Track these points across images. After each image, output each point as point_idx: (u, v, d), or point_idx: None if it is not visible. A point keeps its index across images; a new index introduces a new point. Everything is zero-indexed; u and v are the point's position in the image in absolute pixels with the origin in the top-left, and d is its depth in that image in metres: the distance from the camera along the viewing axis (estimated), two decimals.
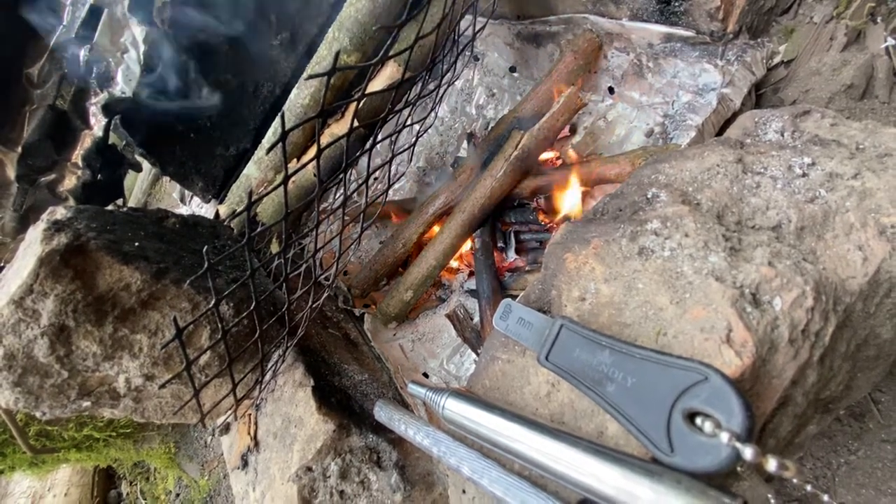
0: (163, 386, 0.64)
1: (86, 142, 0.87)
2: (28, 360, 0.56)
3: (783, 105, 0.69)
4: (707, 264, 0.39)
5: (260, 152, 0.81)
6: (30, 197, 0.90)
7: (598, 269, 0.44)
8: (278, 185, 0.49)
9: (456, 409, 0.45)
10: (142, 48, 0.82)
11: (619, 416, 0.35)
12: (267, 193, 0.47)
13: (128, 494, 2.27)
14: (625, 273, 0.42)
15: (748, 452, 0.28)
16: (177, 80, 0.87)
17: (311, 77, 0.57)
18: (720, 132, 0.68)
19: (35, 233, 0.62)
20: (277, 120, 0.79)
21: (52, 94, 0.84)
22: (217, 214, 0.94)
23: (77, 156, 0.89)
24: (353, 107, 0.76)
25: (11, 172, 0.87)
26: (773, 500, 0.32)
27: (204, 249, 0.49)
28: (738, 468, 0.31)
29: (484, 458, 0.42)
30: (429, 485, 0.69)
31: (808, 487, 0.30)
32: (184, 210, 1.34)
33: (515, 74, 1.10)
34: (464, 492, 0.46)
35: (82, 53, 0.82)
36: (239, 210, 0.83)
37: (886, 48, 0.65)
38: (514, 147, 0.85)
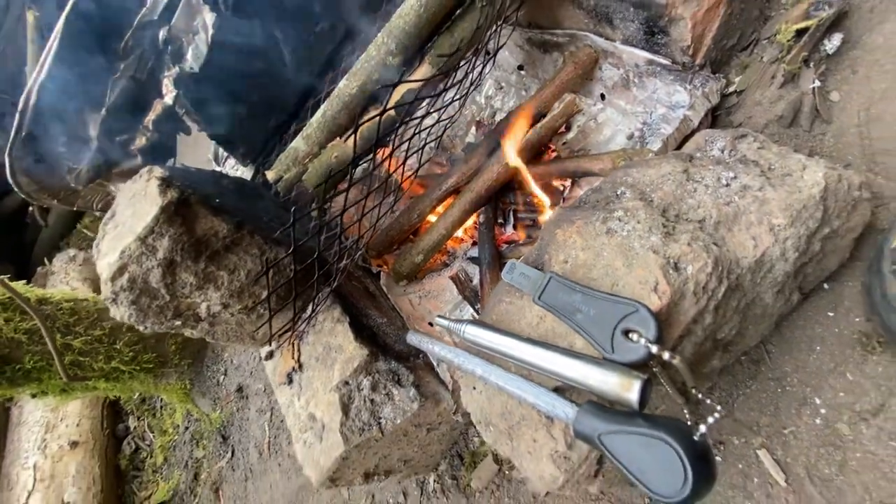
0: (236, 313, 0.83)
1: (157, 109, 1.02)
2: (144, 284, 0.73)
3: (731, 127, 0.89)
4: (649, 242, 0.59)
5: (308, 129, 0.96)
6: (105, 153, 1.04)
7: (578, 242, 0.64)
8: (346, 167, 0.67)
9: (473, 332, 0.65)
10: (210, 32, 0.96)
11: (583, 334, 0.55)
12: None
13: (135, 428, 2.46)
14: (596, 245, 0.62)
15: (654, 348, 0.48)
16: (234, 61, 1.02)
17: (383, 87, 0.74)
18: (680, 145, 0.87)
19: (139, 186, 0.78)
20: (328, 103, 0.95)
21: (133, 66, 0.98)
22: (263, 177, 1.09)
23: (149, 120, 1.03)
24: (393, 98, 0.93)
25: (94, 131, 1.01)
26: (687, 413, 0.53)
27: (293, 209, 0.67)
28: (651, 362, 0.51)
29: (491, 364, 0.62)
30: (436, 401, 0.90)
31: (701, 397, 0.51)
32: (215, 168, 1.49)
33: (522, 72, 1.27)
34: (474, 388, 0.66)
35: (161, 33, 0.95)
36: (289, 177, 0.99)
37: (813, 88, 0.84)
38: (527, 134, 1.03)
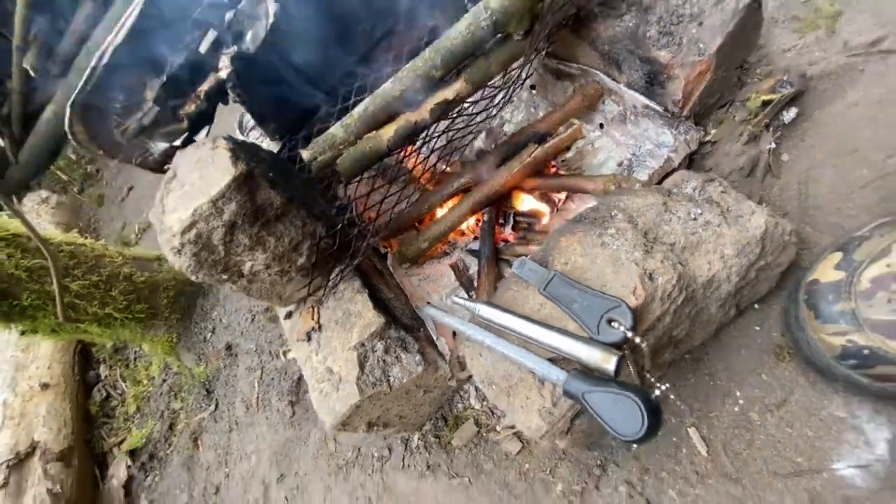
0: (273, 275, 0.95)
1: (211, 80, 1.11)
2: (207, 241, 0.84)
3: (703, 171, 1.08)
4: (633, 256, 0.76)
5: (349, 120, 1.08)
6: (156, 115, 1.13)
7: (578, 249, 0.81)
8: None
9: (486, 311, 0.81)
10: (271, 20, 1.07)
11: (576, 318, 0.72)
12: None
13: (106, 377, 2.48)
14: (592, 253, 0.79)
15: (629, 334, 0.66)
16: (284, 48, 1.13)
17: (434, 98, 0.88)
18: (661, 180, 1.06)
19: (204, 153, 0.89)
20: (370, 100, 1.07)
21: (198, 40, 1.07)
22: (291, 153, 1.20)
23: (202, 90, 1.13)
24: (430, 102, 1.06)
25: (150, 94, 1.10)
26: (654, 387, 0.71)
27: (339, 188, 0.80)
28: (624, 346, 0.69)
29: (498, 337, 0.79)
30: (435, 368, 1.06)
31: (653, 381, 0.69)
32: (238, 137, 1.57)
33: (534, 92, 1.43)
34: (480, 355, 0.83)
35: (228, 14, 1.05)
36: (324, 158, 1.10)
37: (769, 149, 1.04)
38: (528, 155, 1.19)
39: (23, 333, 1.69)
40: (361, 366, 0.98)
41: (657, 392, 0.62)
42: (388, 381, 0.99)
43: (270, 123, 1.29)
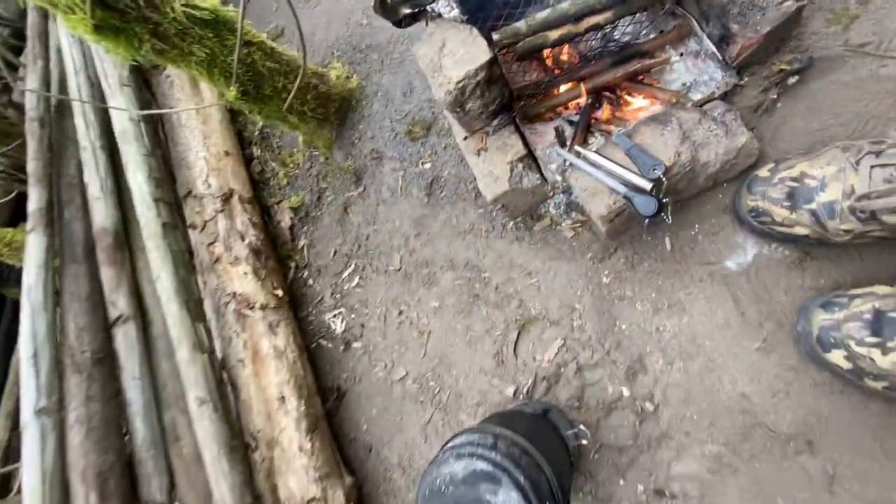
0: (474, 113, 1.75)
1: None
2: (462, 90, 1.62)
3: (728, 103, 1.82)
4: (674, 143, 1.58)
5: (531, 21, 1.75)
6: None
7: (647, 133, 1.61)
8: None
9: (590, 155, 1.65)
10: None
11: (638, 165, 1.57)
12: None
13: (258, 156, 3.36)
14: (654, 138, 1.60)
15: (662, 176, 1.51)
16: None
17: (590, 21, 1.57)
18: (703, 104, 1.79)
19: (465, 35, 1.60)
20: (550, 10, 1.72)
21: None
22: (490, 35, 1.89)
23: None
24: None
25: None
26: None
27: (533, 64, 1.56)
28: (658, 180, 1.55)
29: (595, 168, 1.64)
30: (543, 183, 1.94)
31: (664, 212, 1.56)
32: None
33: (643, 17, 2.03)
34: (576, 179, 1.69)
35: None
36: (527, 44, 1.80)
37: (771, 98, 1.77)
38: (632, 66, 1.89)
39: (249, 112, 2.50)
40: (510, 172, 1.86)
41: (665, 200, 1.51)
42: (522, 183, 1.88)
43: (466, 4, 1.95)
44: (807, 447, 1.57)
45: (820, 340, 1.48)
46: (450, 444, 1.08)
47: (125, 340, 2.00)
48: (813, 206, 1.34)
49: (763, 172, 1.64)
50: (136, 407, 1.89)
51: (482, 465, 1.02)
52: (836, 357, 1.45)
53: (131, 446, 1.91)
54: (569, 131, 2.07)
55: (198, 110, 3.28)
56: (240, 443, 1.86)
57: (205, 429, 1.79)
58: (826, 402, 1.57)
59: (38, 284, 2.01)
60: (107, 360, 2.01)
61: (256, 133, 3.48)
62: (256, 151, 3.44)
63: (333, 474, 1.91)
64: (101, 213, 2.53)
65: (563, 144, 2.08)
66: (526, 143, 1.93)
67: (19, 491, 2.47)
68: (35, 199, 2.23)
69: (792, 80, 1.73)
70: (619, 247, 1.97)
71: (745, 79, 1.79)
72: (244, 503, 1.74)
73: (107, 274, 2.11)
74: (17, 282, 4.31)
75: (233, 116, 3.40)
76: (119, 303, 2.05)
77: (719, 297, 1.77)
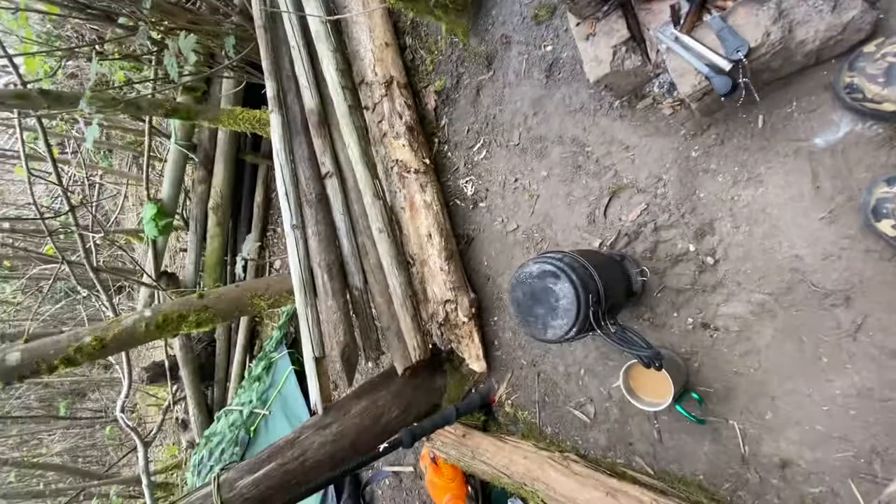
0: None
1: None
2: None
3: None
4: (766, 23, 1.71)
5: None
6: None
7: (742, 13, 1.75)
8: None
9: (683, 38, 1.86)
10: None
11: (724, 46, 1.76)
12: None
13: (410, 44, 3.95)
14: (748, 17, 1.74)
15: (743, 58, 1.71)
16: None
17: None
18: None
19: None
20: None
21: None
22: None
23: None
24: None
25: None
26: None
27: None
28: (739, 62, 1.75)
29: (686, 49, 1.87)
30: (646, 64, 2.18)
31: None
32: None
33: None
34: (673, 59, 1.93)
35: None
36: None
37: None
38: None
39: (429, 13, 3.04)
40: (613, 56, 2.16)
41: (744, 80, 1.72)
42: (623, 66, 2.17)
43: None
44: (843, 301, 1.86)
45: (875, 210, 1.68)
46: (533, 257, 1.78)
47: (332, 189, 3.05)
48: None
49: (869, 48, 1.68)
50: (343, 231, 3.00)
51: (549, 267, 1.70)
52: (885, 226, 1.65)
53: (341, 255, 3.05)
54: (686, 8, 2.19)
55: (364, 7, 3.95)
56: (404, 259, 2.85)
57: (383, 248, 2.81)
58: (872, 267, 1.78)
59: (281, 149, 3.11)
60: (323, 200, 3.11)
61: (408, 23, 4.05)
62: (409, 41, 4.05)
63: (462, 288, 2.84)
64: (308, 98, 3.53)
65: (676, 22, 2.22)
66: (631, 28, 2.15)
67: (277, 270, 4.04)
68: (270, 88, 3.29)
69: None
70: (712, 124, 2.18)
71: None
72: (406, 294, 2.77)
73: (316, 143, 3.14)
74: (254, 149, 6.01)
75: (390, 10, 3.98)
76: (326, 163, 3.08)
77: (798, 172, 1.95)
